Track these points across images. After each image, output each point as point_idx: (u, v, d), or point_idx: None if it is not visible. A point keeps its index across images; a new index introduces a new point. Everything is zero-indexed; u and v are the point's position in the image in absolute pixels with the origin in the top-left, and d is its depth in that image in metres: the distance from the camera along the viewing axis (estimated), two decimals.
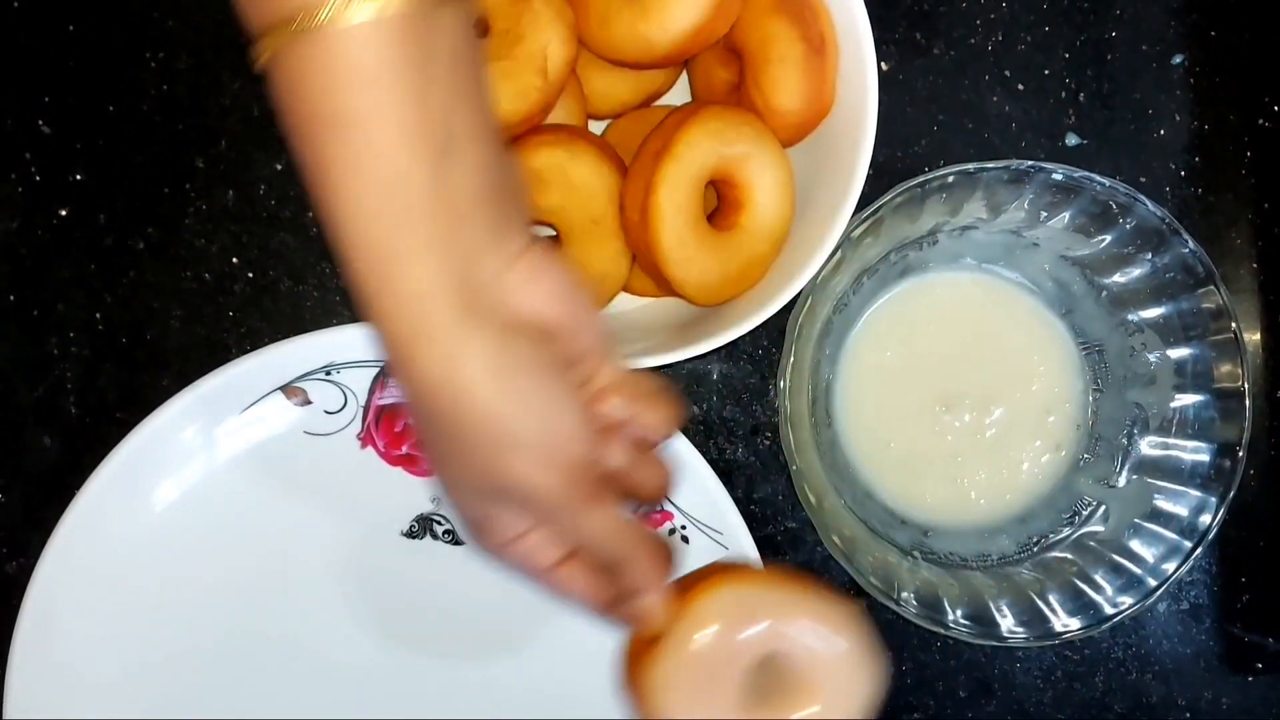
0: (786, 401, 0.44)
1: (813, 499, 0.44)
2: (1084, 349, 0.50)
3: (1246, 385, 0.44)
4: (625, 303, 0.48)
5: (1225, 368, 0.45)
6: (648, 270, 0.44)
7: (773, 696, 0.39)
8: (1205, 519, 0.45)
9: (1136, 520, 0.47)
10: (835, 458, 0.49)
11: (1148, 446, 0.48)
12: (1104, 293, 0.48)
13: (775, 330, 0.51)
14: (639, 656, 0.40)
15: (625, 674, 0.41)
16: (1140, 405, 0.48)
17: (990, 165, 0.44)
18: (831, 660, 0.39)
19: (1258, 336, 0.52)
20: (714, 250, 0.43)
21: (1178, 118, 0.52)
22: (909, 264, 0.49)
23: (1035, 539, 0.49)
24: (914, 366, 0.50)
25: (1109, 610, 0.45)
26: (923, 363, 0.50)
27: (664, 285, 0.44)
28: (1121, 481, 0.49)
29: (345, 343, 0.46)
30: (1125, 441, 0.49)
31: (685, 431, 0.48)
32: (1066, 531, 0.49)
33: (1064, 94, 0.52)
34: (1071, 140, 0.52)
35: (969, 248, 0.49)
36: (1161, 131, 0.52)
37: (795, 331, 0.44)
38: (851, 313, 0.49)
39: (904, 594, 0.45)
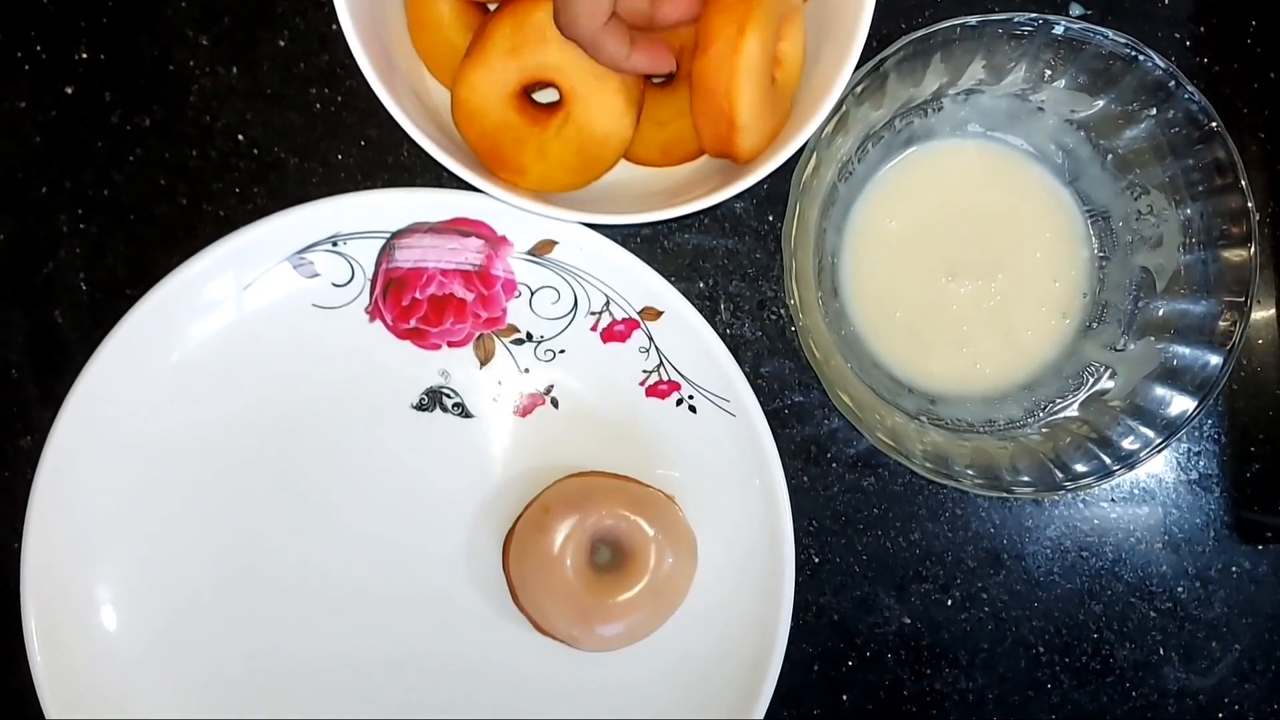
0: (792, 258, 0.44)
1: (819, 355, 0.44)
2: (1090, 216, 0.50)
3: (1253, 226, 0.44)
4: (622, 171, 0.47)
5: (1232, 221, 0.45)
6: (706, 119, 0.43)
7: (613, 570, 0.46)
8: (1214, 370, 0.45)
9: (1144, 379, 0.47)
10: (842, 328, 0.49)
11: (1155, 309, 0.48)
12: (1109, 156, 0.48)
13: (780, 204, 0.51)
14: (508, 542, 0.48)
15: (503, 560, 0.48)
16: (1147, 269, 0.48)
17: (993, 18, 0.44)
18: (652, 544, 0.46)
19: (1267, 227, 0.52)
20: (770, 105, 0.43)
21: None
22: (914, 131, 0.49)
23: (1043, 405, 0.49)
24: (919, 235, 0.50)
25: (1117, 467, 0.45)
26: (927, 231, 0.50)
27: (712, 137, 0.43)
28: (1129, 346, 0.48)
29: (351, 210, 0.47)
30: (1132, 306, 0.49)
31: (692, 305, 0.48)
32: (1074, 397, 0.49)
33: None
34: (1075, 10, 0.52)
35: (974, 114, 0.49)
36: (1166, 0, 0.52)
37: (800, 186, 0.44)
38: (856, 182, 0.49)
39: (913, 452, 0.45)
